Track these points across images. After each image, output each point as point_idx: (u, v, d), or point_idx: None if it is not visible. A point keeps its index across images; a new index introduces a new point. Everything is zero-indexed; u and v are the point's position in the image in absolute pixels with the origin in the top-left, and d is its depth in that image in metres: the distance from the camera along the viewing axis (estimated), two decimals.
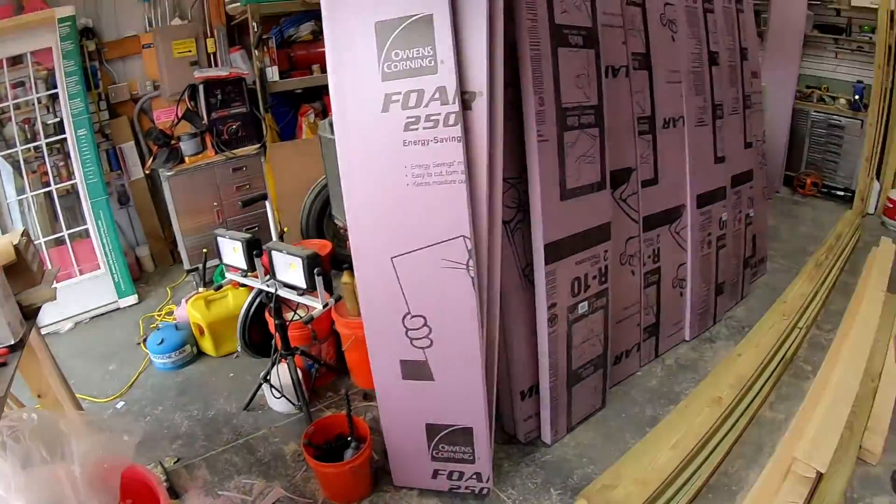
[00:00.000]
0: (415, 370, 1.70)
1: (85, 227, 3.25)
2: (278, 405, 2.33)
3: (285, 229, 3.19)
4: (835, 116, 5.45)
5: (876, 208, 5.34)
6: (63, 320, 3.15)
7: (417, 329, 1.66)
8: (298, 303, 2.07)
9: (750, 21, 3.11)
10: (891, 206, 4.97)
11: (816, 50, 5.81)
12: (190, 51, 3.70)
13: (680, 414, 2.05)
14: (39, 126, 3.09)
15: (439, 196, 1.53)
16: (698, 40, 2.42)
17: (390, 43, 1.51)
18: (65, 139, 3.13)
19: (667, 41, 2.26)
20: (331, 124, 1.70)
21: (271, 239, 2.32)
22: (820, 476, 1.78)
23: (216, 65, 3.81)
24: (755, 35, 3.22)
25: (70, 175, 3.21)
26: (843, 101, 5.49)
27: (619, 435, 2.12)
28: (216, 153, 3.35)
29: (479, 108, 1.49)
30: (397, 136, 1.53)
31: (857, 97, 5.33)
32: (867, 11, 5.15)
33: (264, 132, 3.60)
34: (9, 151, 3.06)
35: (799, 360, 2.63)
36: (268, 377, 2.25)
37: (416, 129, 1.51)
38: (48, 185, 3.19)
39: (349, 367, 2.50)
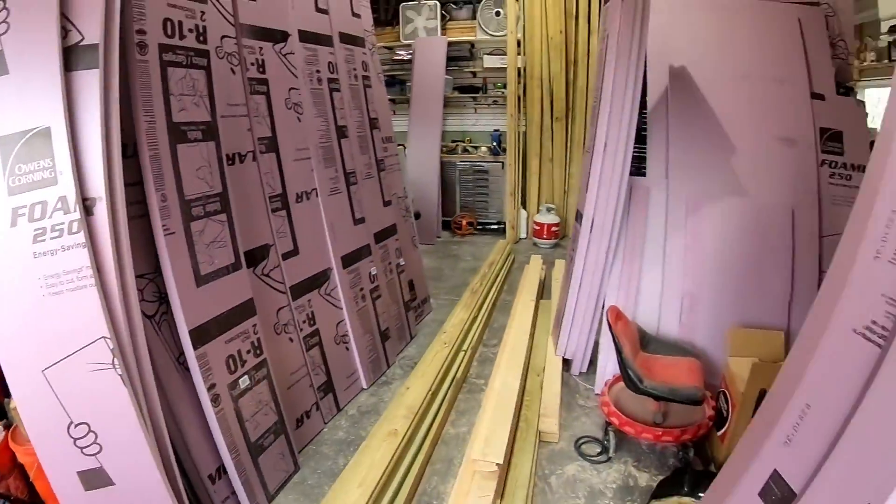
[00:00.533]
0: (94, 478, 1.86)
1: None
2: None
3: None
4: (479, 163, 6.94)
5: (527, 233, 6.99)
6: None
7: (84, 437, 1.84)
8: None
9: (379, 94, 3.93)
10: (538, 227, 6.55)
11: (458, 108, 7.33)
12: None
13: (362, 454, 2.49)
14: None
15: (75, 302, 1.74)
16: (325, 118, 3.04)
17: (13, 157, 1.73)
18: None
19: (293, 123, 2.81)
20: None
21: None
22: (507, 467, 2.40)
23: None
24: (386, 105, 4.10)
25: None
26: (484, 148, 7.02)
27: (318, 490, 2.48)
28: None
29: (101, 212, 1.76)
30: (27, 249, 1.74)
31: (495, 143, 6.94)
32: (498, 71, 6.72)
33: None
34: None
35: (471, 377, 3.42)
36: None
37: (44, 240, 1.73)
38: None
39: (43, 497, 2.45)
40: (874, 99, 4.57)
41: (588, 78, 6.41)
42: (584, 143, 6.07)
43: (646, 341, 2.76)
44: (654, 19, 2.93)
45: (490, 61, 6.91)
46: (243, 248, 2.39)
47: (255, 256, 2.54)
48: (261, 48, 2.65)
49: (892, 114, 1.35)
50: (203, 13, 2.20)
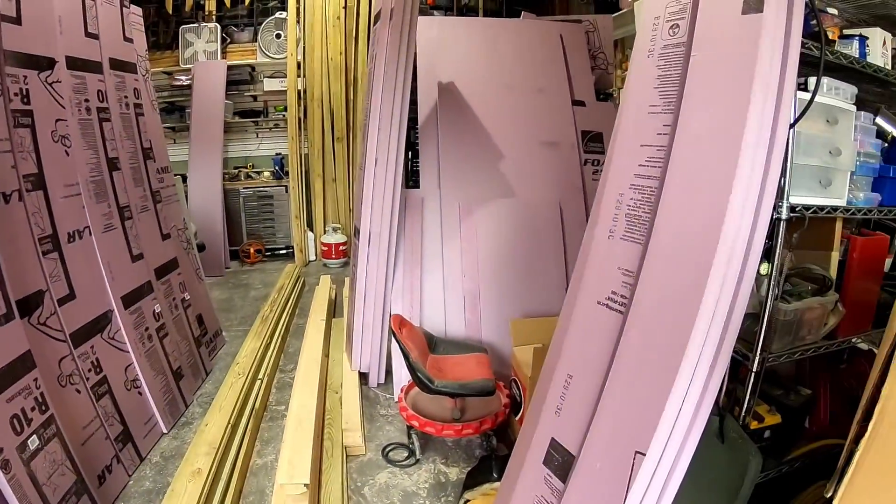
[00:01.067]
0: None
1: None
2: None
3: None
4: (262, 188, 6.90)
5: (316, 255, 7.04)
6: None
7: None
8: None
9: (153, 122, 3.78)
10: (326, 248, 6.64)
11: (240, 133, 7.21)
12: None
13: (168, 500, 2.39)
14: None
15: None
16: (95, 150, 2.86)
17: None
18: None
19: (61, 156, 2.61)
20: None
21: None
22: (319, 486, 2.45)
23: None
24: (161, 134, 3.94)
25: None
26: (267, 173, 6.98)
27: None
28: None
29: None
30: None
31: (277, 168, 6.93)
32: (280, 93, 6.71)
33: None
34: None
35: (272, 404, 3.41)
36: None
37: None
38: None
39: None
40: None
41: None
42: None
43: (434, 344, 2.99)
44: (423, 36, 3.23)
45: (271, 84, 6.92)
46: (14, 297, 2.21)
47: (29, 304, 2.34)
48: (25, 76, 2.45)
49: (621, 116, 1.69)
50: None
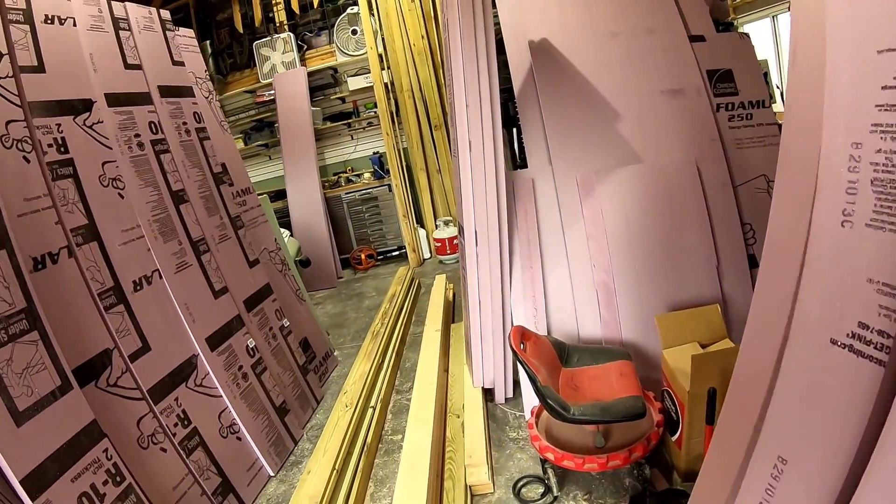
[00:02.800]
0: None
1: None
2: None
3: None
4: (365, 190, 6.75)
5: (430, 252, 6.83)
6: None
7: None
8: None
9: (224, 144, 3.63)
10: (439, 245, 6.40)
11: (334, 138, 7.11)
12: None
13: None
14: None
15: None
16: (154, 186, 2.72)
17: None
18: None
19: (114, 201, 2.49)
20: None
21: None
22: None
23: None
24: (236, 155, 3.75)
25: None
26: (367, 174, 6.83)
27: None
28: None
29: None
30: None
31: (377, 167, 6.76)
32: (366, 90, 6.52)
33: None
34: None
35: (387, 434, 3.12)
36: None
37: None
38: None
39: None
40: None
41: None
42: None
43: (567, 354, 2.53)
44: None
45: (356, 83, 6.73)
46: (73, 364, 2.08)
47: (94, 368, 2.21)
48: (59, 125, 2.33)
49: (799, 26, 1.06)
50: None
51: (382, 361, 3.74)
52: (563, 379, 2.36)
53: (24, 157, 2.12)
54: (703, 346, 2.33)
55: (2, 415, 1.79)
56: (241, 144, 7.15)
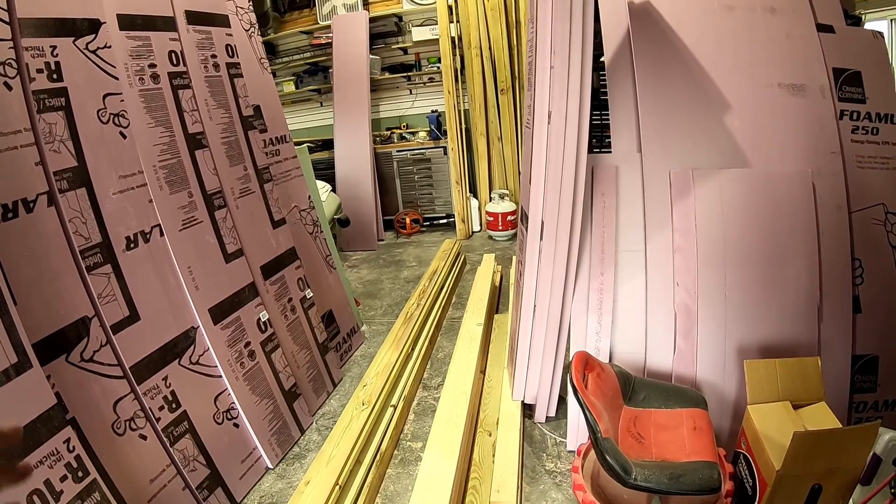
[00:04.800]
0: None
1: None
2: None
3: None
4: (418, 150, 6.37)
5: (480, 225, 6.43)
6: None
7: None
8: None
9: (261, 83, 3.26)
10: (492, 219, 5.99)
11: (391, 91, 6.74)
12: None
13: None
14: None
15: None
16: (166, 126, 2.38)
17: None
18: None
19: (113, 141, 2.15)
20: None
21: None
22: None
23: None
24: (274, 96, 3.40)
25: None
26: (422, 133, 6.43)
27: None
28: None
29: None
30: None
31: (433, 126, 6.35)
32: (431, 43, 6.14)
33: None
34: None
35: (406, 438, 2.78)
36: None
37: None
38: None
39: None
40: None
41: None
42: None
43: (631, 388, 2.11)
44: None
45: (420, 34, 6.29)
46: (39, 335, 1.79)
47: (67, 338, 1.89)
48: (53, 47, 1.97)
49: None
50: None
51: (412, 350, 3.36)
52: (624, 420, 1.95)
53: (6, 84, 1.79)
54: (796, 406, 1.92)
55: None
56: (292, 87, 6.83)
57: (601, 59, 2.60)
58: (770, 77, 2.43)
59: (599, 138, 2.59)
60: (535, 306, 2.48)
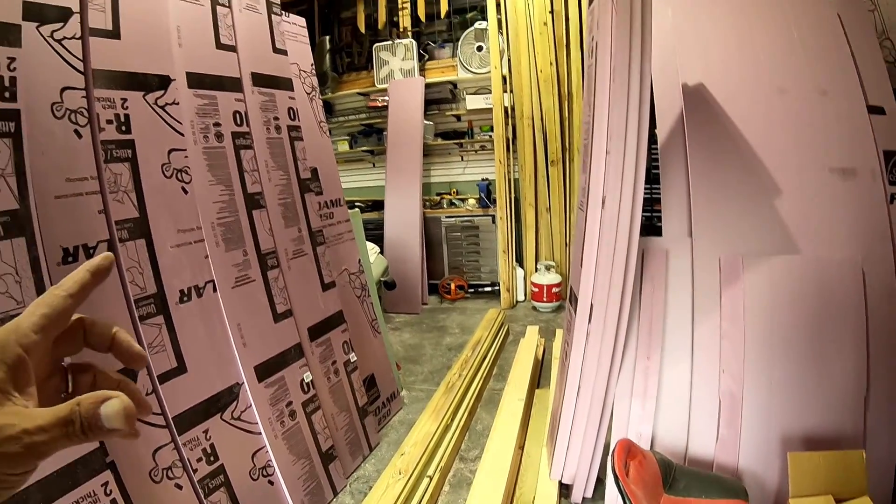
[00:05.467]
0: None
1: None
2: None
3: None
4: (467, 217, 6.43)
5: (525, 295, 6.39)
6: None
7: None
8: None
9: (320, 146, 3.38)
10: (536, 290, 5.96)
11: (443, 156, 6.87)
12: None
13: None
14: None
15: None
16: (227, 184, 2.47)
17: None
18: None
19: (175, 195, 2.23)
20: None
21: None
22: None
23: None
24: (331, 160, 3.51)
25: None
26: (472, 200, 6.51)
27: None
28: None
29: None
30: None
31: (483, 194, 6.43)
32: (484, 112, 6.24)
33: None
34: None
35: None
36: None
37: None
38: None
39: None
40: None
41: None
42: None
43: (672, 476, 2.04)
44: (654, 23, 2.30)
45: (474, 102, 6.43)
46: None
47: None
48: (124, 100, 2.09)
49: None
50: (12, 60, 1.65)
51: (452, 421, 3.32)
52: None
53: (76, 131, 1.88)
54: (839, 500, 1.87)
55: None
56: (345, 147, 7.01)
57: (654, 131, 2.61)
58: (820, 161, 2.41)
59: (649, 216, 2.57)
60: (579, 387, 2.44)
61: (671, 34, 2.70)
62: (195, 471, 2.19)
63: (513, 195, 6.25)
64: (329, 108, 7.12)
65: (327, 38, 6.86)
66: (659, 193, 2.55)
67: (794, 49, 2.60)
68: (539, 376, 4.07)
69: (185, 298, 2.23)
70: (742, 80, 2.58)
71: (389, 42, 6.56)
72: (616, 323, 2.30)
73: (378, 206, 6.60)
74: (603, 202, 2.21)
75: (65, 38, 1.90)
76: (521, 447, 3.00)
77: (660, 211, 2.53)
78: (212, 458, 2.26)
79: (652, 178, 2.52)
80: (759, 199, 2.41)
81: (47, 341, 0.51)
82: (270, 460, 2.52)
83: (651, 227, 2.54)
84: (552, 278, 5.88)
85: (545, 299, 5.90)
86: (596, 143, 2.25)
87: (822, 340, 2.26)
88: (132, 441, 1.92)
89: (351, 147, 7.04)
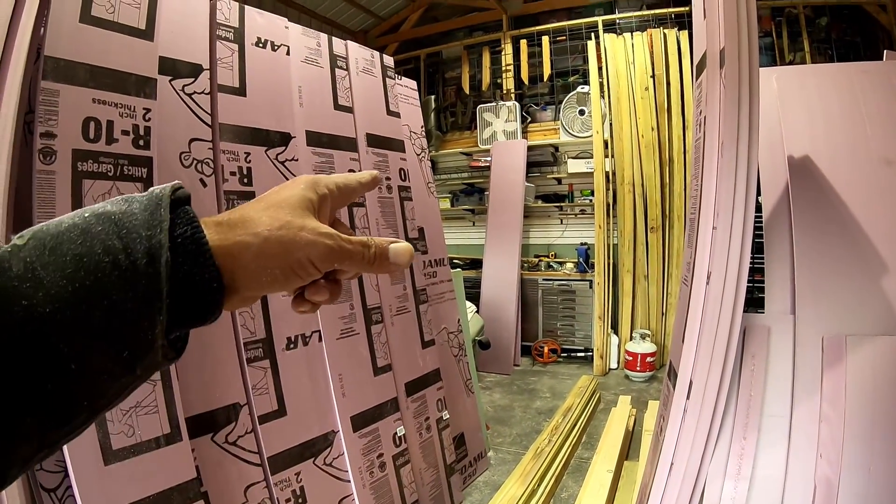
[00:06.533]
0: None
1: None
2: None
3: None
4: (564, 281, 6.40)
5: (618, 363, 6.24)
6: None
7: None
8: None
9: (427, 207, 3.48)
10: (630, 359, 5.81)
11: (542, 219, 6.93)
12: None
13: None
14: None
15: None
16: None
17: None
18: None
19: None
20: None
21: None
22: None
23: None
24: (437, 220, 3.62)
25: None
26: (570, 264, 6.49)
27: None
28: None
29: None
30: None
31: (581, 259, 6.40)
32: (585, 176, 6.28)
33: None
34: None
35: None
36: None
37: None
38: None
39: None
40: None
41: (686, 179, 5.82)
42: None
43: None
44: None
45: (575, 166, 6.47)
46: (193, 411, 1.94)
47: (216, 420, 2.04)
48: (247, 154, 2.25)
49: None
50: (148, 111, 1.83)
51: (538, 487, 3.25)
52: None
53: (202, 181, 2.04)
54: None
55: (92, 448, 1.65)
56: (447, 205, 7.16)
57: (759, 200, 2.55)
58: None
59: (751, 287, 2.50)
60: (672, 464, 2.36)
61: (773, 101, 2.67)
62: None
63: (611, 261, 6.17)
64: (432, 165, 7.33)
65: (432, 97, 7.13)
66: (761, 264, 2.48)
67: None
68: (629, 448, 3.94)
69: (292, 346, 2.34)
70: (848, 150, 2.50)
71: (493, 103, 6.74)
72: (714, 400, 2.22)
73: (476, 264, 6.68)
74: (708, 278, 2.17)
75: (195, 92, 2.09)
76: None
77: (761, 282, 2.46)
78: (300, 500, 2.32)
79: (755, 249, 2.45)
80: (865, 277, 2.30)
81: (335, 202, 0.60)
82: None
83: (752, 299, 2.45)
84: (647, 347, 5.72)
85: (639, 368, 5.73)
86: (703, 217, 2.22)
87: None
88: (225, 474, 2.01)
89: (452, 205, 7.19)
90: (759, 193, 2.45)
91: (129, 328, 0.43)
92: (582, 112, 6.32)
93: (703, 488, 2.31)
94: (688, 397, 2.23)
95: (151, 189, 0.50)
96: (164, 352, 0.47)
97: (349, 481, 2.53)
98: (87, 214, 0.45)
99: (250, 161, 2.26)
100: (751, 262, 2.29)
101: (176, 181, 0.53)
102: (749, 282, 2.35)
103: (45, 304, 0.39)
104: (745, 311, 2.30)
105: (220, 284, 0.49)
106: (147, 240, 0.45)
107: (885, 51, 3.09)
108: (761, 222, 2.53)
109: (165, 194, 0.49)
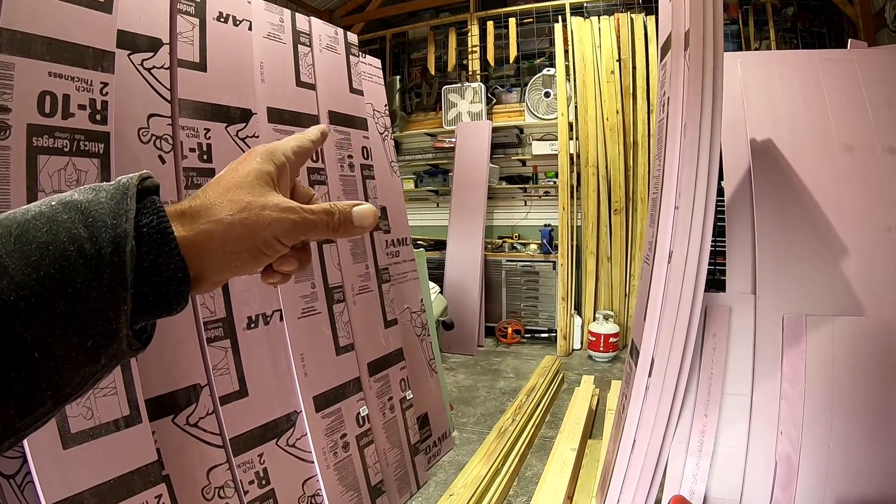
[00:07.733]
0: None
1: None
2: None
3: None
4: (528, 262, 6.42)
5: (581, 343, 6.31)
6: None
7: None
8: None
9: (389, 186, 3.45)
10: (593, 339, 5.88)
11: (506, 200, 6.94)
12: None
13: None
14: None
15: None
16: None
17: None
18: None
19: None
20: None
21: None
22: None
23: None
24: (400, 200, 3.60)
25: None
26: (533, 246, 6.52)
27: None
28: None
29: None
30: None
31: (545, 240, 6.42)
32: (549, 158, 6.31)
33: None
34: None
35: None
36: None
37: None
38: None
39: None
40: None
41: (650, 163, 5.88)
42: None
43: None
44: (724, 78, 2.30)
45: (540, 147, 6.49)
46: (153, 393, 1.90)
47: (177, 401, 2.00)
48: (207, 130, 2.20)
49: None
50: (105, 85, 1.76)
51: (502, 466, 3.27)
52: None
53: (160, 157, 1.99)
54: None
55: (50, 431, 1.61)
56: (411, 185, 7.14)
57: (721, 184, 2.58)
58: (887, 220, 2.36)
59: (712, 269, 2.53)
60: (634, 441, 2.39)
61: (740, 88, 2.69)
62: (246, 492, 2.22)
63: (575, 242, 6.21)
64: (396, 146, 7.28)
65: (398, 77, 7.08)
66: (723, 247, 2.52)
67: (861, 106, 2.56)
68: (592, 427, 3.99)
69: (253, 325, 2.30)
70: (809, 136, 2.55)
71: (458, 84, 6.71)
72: (676, 378, 2.25)
73: (440, 245, 6.67)
74: (670, 257, 2.19)
75: (154, 67, 2.02)
76: (570, 497, 2.94)
77: (723, 264, 2.50)
78: (263, 482, 2.29)
79: (717, 231, 2.48)
80: (824, 259, 2.35)
81: (293, 167, 0.61)
82: (320, 489, 2.54)
83: (713, 281, 2.48)
84: (610, 328, 5.79)
85: (602, 349, 5.80)
86: (665, 197, 2.24)
87: (884, 405, 2.18)
88: (187, 457, 1.98)
89: (416, 186, 7.18)
90: (721, 177, 2.48)
91: (94, 316, 0.44)
92: (547, 94, 6.32)
93: (666, 465, 2.35)
94: (650, 375, 2.26)
95: (119, 178, 0.50)
96: (129, 342, 0.47)
97: (313, 462, 2.51)
98: (53, 202, 0.45)
99: (210, 137, 2.20)
100: (712, 245, 2.32)
101: (145, 171, 0.53)
102: (711, 264, 2.38)
103: (9, 293, 0.40)
104: (707, 291, 2.33)
105: (186, 275, 0.49)
106: (112, 228, 0.45)
107: (849, 39, 3.12)
108: (723, 205, 2.56)
109: (132, 183, 0.50)
